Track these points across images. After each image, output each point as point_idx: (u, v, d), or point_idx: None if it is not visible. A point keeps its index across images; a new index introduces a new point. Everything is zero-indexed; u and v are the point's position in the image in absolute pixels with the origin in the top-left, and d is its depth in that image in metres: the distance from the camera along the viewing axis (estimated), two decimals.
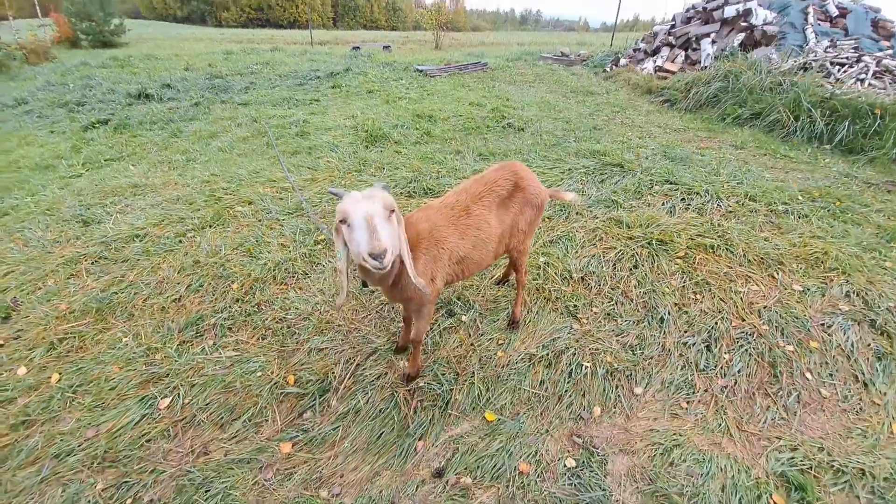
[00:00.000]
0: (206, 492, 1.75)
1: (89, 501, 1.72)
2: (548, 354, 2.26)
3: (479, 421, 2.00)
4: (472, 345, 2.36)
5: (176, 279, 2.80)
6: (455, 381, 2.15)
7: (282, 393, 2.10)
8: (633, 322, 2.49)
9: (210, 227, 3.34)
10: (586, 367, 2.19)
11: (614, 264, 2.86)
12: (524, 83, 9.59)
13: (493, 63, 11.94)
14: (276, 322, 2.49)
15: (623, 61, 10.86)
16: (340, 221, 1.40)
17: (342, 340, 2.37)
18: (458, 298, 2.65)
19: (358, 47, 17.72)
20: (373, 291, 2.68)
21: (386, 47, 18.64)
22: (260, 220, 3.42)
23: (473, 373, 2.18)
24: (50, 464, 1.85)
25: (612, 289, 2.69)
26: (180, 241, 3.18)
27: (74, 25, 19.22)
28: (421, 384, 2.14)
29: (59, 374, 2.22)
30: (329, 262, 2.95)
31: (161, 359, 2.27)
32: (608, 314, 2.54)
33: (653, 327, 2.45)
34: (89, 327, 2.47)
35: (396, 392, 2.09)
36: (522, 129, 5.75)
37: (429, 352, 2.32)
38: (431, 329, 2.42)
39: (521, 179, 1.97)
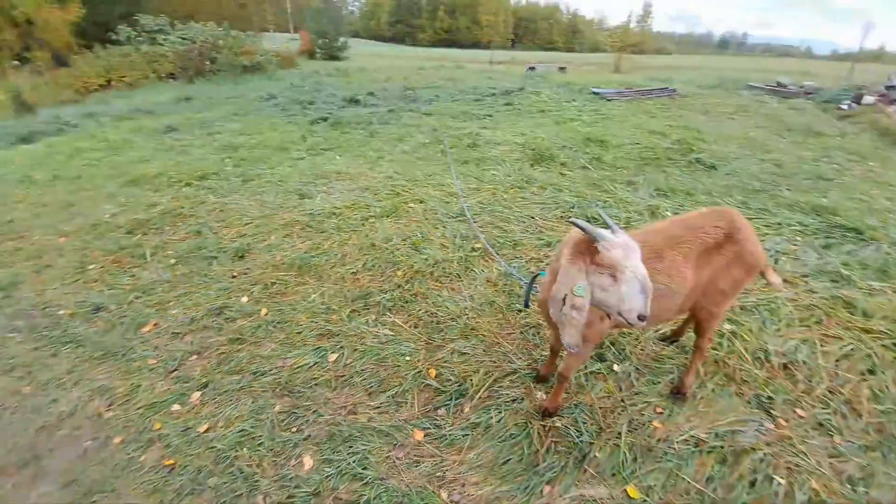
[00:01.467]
0: (349, 447, 1.96)
1: (268, 417, 2.11)
2: (723, 448, 1.86)
3: (619, 492, 1.76)
4: (622, 401, 2.11)
5: (356, 256, 3.27)
6: (597, 436, 1.95)
7: (423, 383, 2.23)
8: (860, 447, 1.87)
9: (387, 217, 3.81)
10: (779, 484, 1.73)
11: (837, 360, 2.21)
12: (721, 114, 8.36)
13: (683, 90, 10.75)
14: (428, 315, 2.66)
15: (868, 98, 8.55)
16: (600, 265, 1.31)
17: (483, 351, 2.40)
18: (612, 344, 2.41)
19: (534, 67, 18.10)
20: (520, 311, 2.66)
21: (561, 68, 18.58)
22: (427, 219, 3.75)
23: (620, 434, 1.94)
24: (248, 378, 2.34)
25: (829, 391, 2.08)
26: (363, 224, 3.70)
27: (314, 41, 24.52)
28: (558, 424, 2.01)
29: (267, 309, 2.80)
30: (482, 271, 3.04)
31: (336, 320, 2.66)
32: (820, 424, 1.96)
33: (891, 463, 1.80)
34: (292, 279, 3.06)
35: (531, 423, 2.00)
36: (714, 167, 5.00)
37: (571, 392, 2.17)
38: (578, 369, 2.26)
39: (738, 231, 1.67)
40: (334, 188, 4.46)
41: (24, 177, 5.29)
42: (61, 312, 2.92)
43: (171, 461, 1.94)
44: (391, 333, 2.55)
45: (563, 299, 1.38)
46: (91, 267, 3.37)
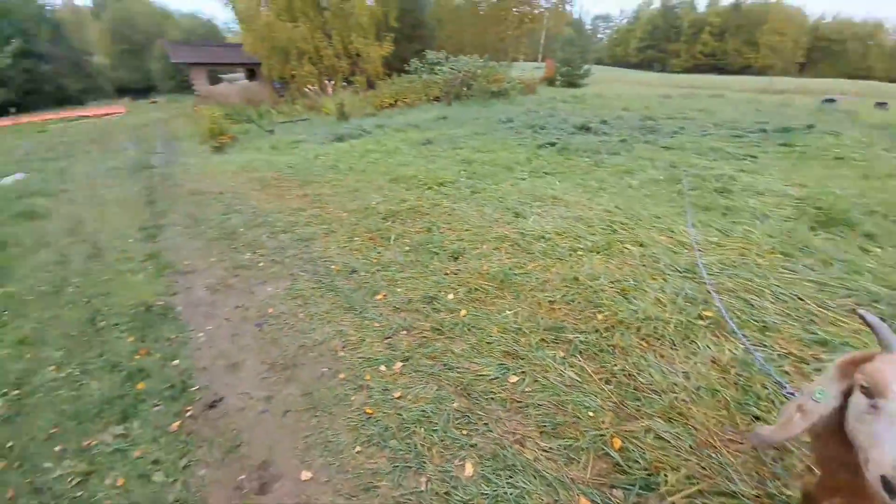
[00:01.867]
0: (509, 476, 1.92)
1: (446, 410, 2.29)
2: None
3: None
4: None
5: (556, 284, 3.20)
6: None
7: (603, 450, 1.98)
8: None
9: (598, 253, 3.59)
10: None
11: None
12: None
13: None
14: (625, 375, 2.36)
15: None
16: (863, 376, 0.94)
17: (690, 448, 1.95)
18: None
19: (833, 100, 13.88)
20: (757, 418, 2.04)
21: (881, 104, 13.61)
22: (644, 265, 3.34)
23: None
24: (438, 366, 2.60)
25: None
26: (570, 255, 3.60)
27: (558, 69, 25.54)
28: None
29: (466, 311, 3.05)
30: (708, 347, 2.48)
31: (524, 343, 2.67)
32: None
33: None
34: (493, 290, 3.25)
35: None
36: None
37: None
38: None
39: None
40: (548, 212, 4.51)
41: (332, 165, 7.45)
42: (332, 267, 3.95)
43: (370, 410, 2.34)
44: (577, 379, 2.38)
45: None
46: (356, 239, 4.44)
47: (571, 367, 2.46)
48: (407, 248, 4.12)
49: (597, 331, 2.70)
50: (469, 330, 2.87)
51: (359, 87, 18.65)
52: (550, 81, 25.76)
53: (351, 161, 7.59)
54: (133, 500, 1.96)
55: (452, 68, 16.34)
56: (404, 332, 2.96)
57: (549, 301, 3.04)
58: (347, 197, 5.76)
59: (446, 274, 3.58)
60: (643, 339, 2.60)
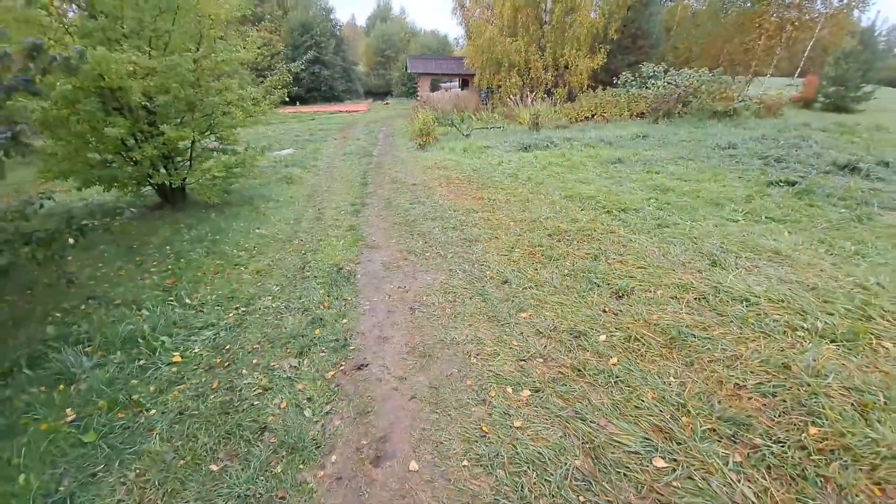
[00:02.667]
0: None
1: (566, 463, 2.02)
2: None
3: None
4: None
5: (752, 366, 2.46)
6: None
7: None
8: None
9: (833, 341, 2.59)
10: None
11: None
12: None
13: None
14: None
15: None
16: None
17: None
18: None
19: None
20: None
21: None
22: None
23: None
24: (569, 410, 2.33)
25: None
26: (784, 333, 2.71)
27: (822, 88, 19.73)
28: None
29: (618, 361, 2.65)
30: None
31: (685, 424, 2.14)
32: None
33: None
34: (657, 346, 2.72)
35: None
36: None
37: None
38: None
39: None
40: (762, 270, 3.51)
41: (512, 174, 7.60)
42: (487, 272, 4.01)
43: (486, 429, 2.27)
44: (753, 501, 1.76)
45: None
46: (516, 250, 4.41)
47: (749, 481, 1.84)
48: (566, 271, 3.85)
49: (803, 448, 1.95)
50: (616, 383, 2.48)
51: (557, 99, 18.53)
52: (807, 104, 20.14)
53: (531, 172, 7.59)
54: (285, 424, 2.40)
55: (670, 83, 14.53)
56: (541, 359, 2.76)
57: (737, 384, 2.35)
58: (518, 207, 5.77)
59: (604, 311, 3.18)
60: (878, 485, 1.75)
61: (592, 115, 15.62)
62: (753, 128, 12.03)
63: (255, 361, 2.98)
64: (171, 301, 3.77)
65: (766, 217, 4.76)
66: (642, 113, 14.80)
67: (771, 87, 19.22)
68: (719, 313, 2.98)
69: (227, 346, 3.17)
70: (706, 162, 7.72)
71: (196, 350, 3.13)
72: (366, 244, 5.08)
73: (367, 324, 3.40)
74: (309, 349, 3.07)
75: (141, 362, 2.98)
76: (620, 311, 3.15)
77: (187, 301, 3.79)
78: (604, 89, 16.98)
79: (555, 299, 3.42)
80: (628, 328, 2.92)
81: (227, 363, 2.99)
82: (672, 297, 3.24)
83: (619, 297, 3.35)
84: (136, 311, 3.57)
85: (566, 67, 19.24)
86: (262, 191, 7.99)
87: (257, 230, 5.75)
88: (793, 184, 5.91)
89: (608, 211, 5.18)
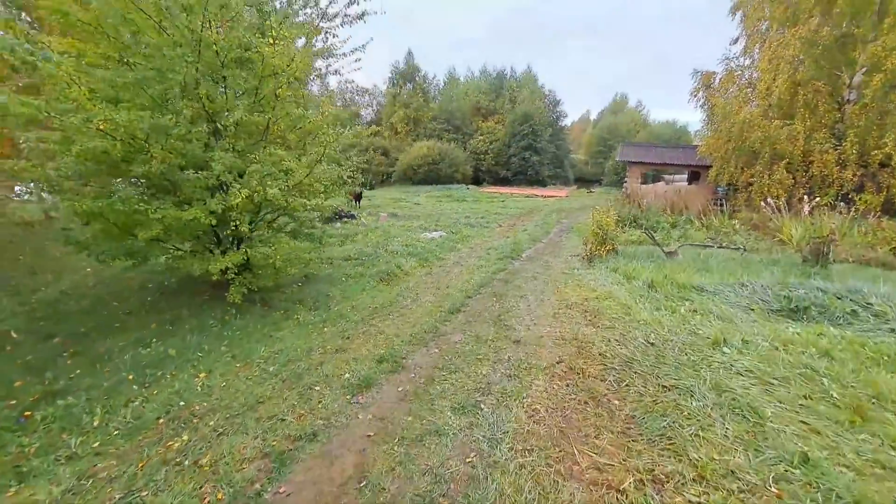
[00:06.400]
0: None
1: None
2: None
3: None
4: None
5: None
6: None
7: None
8: None
9: None
10: None
11: None
12: None
13: None
14: None
15: None
16: None
17: None
18: None
19: None
20: None
21: None
22: None
23: None
24: None
25: None
26: None
27: None
28: None
29: None
30: None
31: None
32: None
33: None
34: None
35: None
36: None
37: None
38: None
39: None
40: None
41: (752, 407, 3.17)
42: None
43: None
44: None
45: None
46: None
47: None
48: None
49: None
50: None
51: (861, 208, 11.32)
52: None
53: (821, 415, 2.99)
54: None
55: None
56: None
57: None
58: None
59: None
60: None
61: None
62: None
63: None
64: None
65: None
66: None
67: None
68: None
69: None
70: None
71: None
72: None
73: None
74: None
75: None
76: None
77: None
78: None
79: None
80: None
81: None
82: None
83: None
84: None
85: (882, 165, 12.02)
86: (327, 287, 6.10)
87: (222, 370, 3.54)
88: None
89: None
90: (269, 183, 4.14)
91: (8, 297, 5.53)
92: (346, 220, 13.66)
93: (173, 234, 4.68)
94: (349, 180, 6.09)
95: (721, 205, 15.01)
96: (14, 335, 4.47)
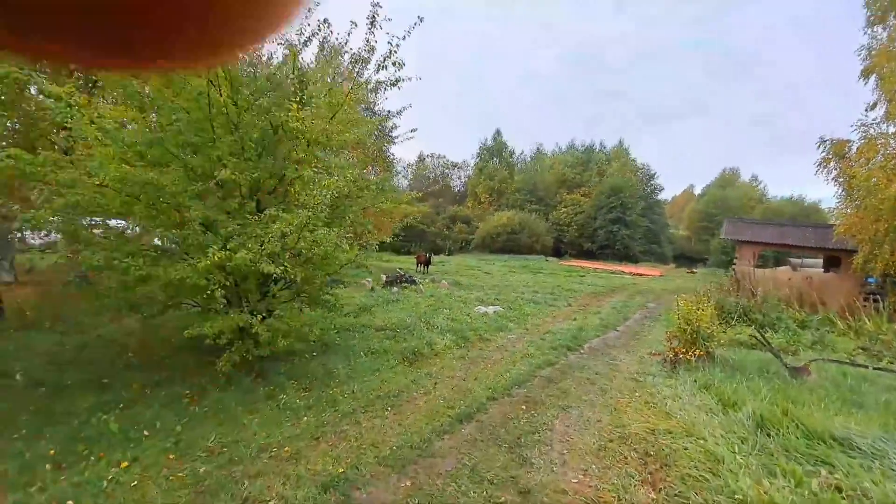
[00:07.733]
0: None
1: None
2: None
3: None
4: None
5: None
6: None
7: None
8: None
9: None
10: None
11: None
12: None
13: None
14: None
15: None
16: None
17: None
18: None
19: None
20: None
21: None
22: None
23: None
24: None
25: None
26: None
27: None
28: None
29: None
30: None
31: None
32: None
33: None
34: None
35: None
36: None
37: None
38: None
39: None
40: None
41: None
42: None
43: None
44: None
45: None
46: None
47: None
48: None
49: None
50: None
51: None
52: None
53: None
54: None
55: None
56: None
57: None
58: None
59: None
60: None
61: None
62: None
63: None
64: None
65: None
66: None
67: None
68: None
69: None
70: None
71: None
72: None
73: None
74: None
75: None
76: None
77: None
78: None
79: None
80: None
81: None
82: None
83: None
84: None
85: None
86: (340, 361, 5.36)
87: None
88: None
89: None
90: (250, 246, 3.74)
91: (57, 337, 5.85)
92: (405, 284, 13.26)
93: (177, 291, 4.50)
94: (362, 247, 5.61)
95: (875, 301, 11.41)
96: (18, 378, 4.48)
